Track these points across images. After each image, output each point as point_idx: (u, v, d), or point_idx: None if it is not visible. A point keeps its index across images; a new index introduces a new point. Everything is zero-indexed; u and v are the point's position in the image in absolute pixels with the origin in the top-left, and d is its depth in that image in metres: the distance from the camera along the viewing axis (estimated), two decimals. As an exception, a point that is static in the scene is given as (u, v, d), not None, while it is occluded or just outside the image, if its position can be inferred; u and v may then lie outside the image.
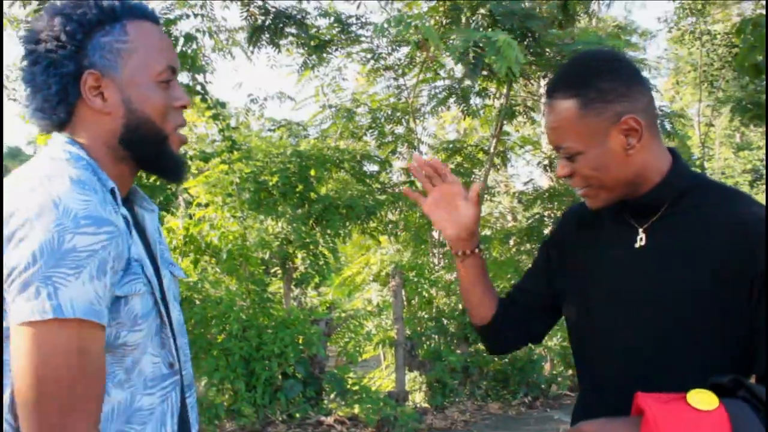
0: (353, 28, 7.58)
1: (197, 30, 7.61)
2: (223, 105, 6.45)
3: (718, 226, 1.32)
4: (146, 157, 1.25)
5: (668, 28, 10.94)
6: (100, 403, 1.08)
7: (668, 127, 7.49)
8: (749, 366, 1.29)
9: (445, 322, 7.78)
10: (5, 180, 1.15)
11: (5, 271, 1.03)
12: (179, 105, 1.25)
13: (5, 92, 7.46)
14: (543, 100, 1.47)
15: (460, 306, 7.70)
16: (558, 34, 6.43)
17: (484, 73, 6.41)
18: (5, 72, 9.07)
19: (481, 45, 5.27)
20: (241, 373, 6.35)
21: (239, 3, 7.29)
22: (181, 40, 6.39)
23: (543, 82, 8.57)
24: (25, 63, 1.19)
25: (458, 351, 7.56)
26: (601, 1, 8.48)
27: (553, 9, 7.65)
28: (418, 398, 7.53)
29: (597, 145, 1.35)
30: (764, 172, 23.31)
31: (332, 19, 7.40)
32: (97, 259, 1.05)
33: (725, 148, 22.51)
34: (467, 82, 7.50)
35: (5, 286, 1.03)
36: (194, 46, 6.37)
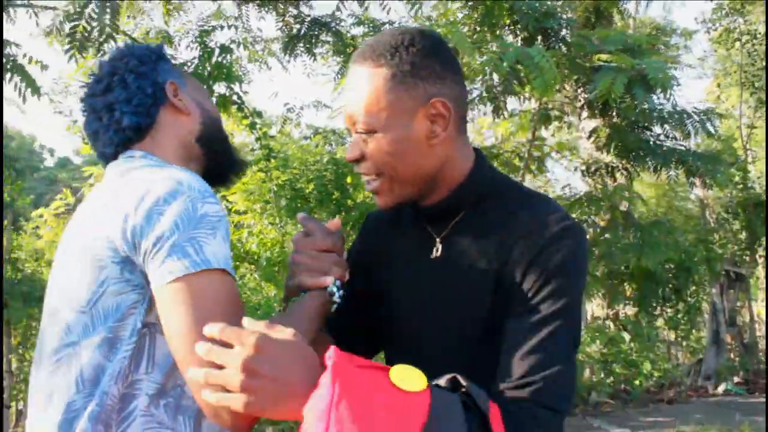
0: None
1: (232, 41, 7.76)
2: (259, 114, 6.55)
3: (512, 234, 1.21)
4: (217, 152, 1.46)
5: (706, 28, 10.80)
6: None
7: (710, 128, 7.37)
8: None
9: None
10: (107, 192, 1.29)
11: (148, 243, 1.15)
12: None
13: (52, 105, 7.68)
14: (349, 67, 1.26)
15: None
16: (585, 34, 6.35)
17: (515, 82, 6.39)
18: (52, 86, 9.33)
19: (518, 60, 5.24)
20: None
21: (274, 13, 7.40)
22: (217, 51, 6.51)
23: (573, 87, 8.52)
24: (109, 83, 1.39)
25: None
26: (637, 1, 8.38)
27: (586, 14, 7.62)
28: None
29: (399, 126, 1.19)
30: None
31: (367, 26, 7.46)
32: (224, 223, 1.20)
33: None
34: (498, 88, 7.50)
35: (149, 256, 1.16)
36: (230, 57, 6.48)
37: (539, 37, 6.65)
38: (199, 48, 6.94)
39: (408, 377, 0.99)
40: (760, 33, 9.78)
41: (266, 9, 7.36)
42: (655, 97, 6.61)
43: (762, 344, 10.31)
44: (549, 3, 6.70)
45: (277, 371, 0.95)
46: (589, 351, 7.97)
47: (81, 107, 1.42)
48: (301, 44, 7.16)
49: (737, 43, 10.08)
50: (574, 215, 8.39)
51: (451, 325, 1.25)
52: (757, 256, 9.87)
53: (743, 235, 9.61)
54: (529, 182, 10.10)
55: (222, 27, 7.59)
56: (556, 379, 1.11)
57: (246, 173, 1.50)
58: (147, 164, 1.31)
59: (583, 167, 8.90)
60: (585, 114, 8.06)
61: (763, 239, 9.50)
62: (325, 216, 7.25)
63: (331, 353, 0.96)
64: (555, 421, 1.11)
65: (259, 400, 0.95)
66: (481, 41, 6.98)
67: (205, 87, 1.51)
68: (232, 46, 7.65)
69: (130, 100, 1.36)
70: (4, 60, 4.59)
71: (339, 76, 7.96)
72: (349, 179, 7.40)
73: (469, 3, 7.19)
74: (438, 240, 1.30)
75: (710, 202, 10.16)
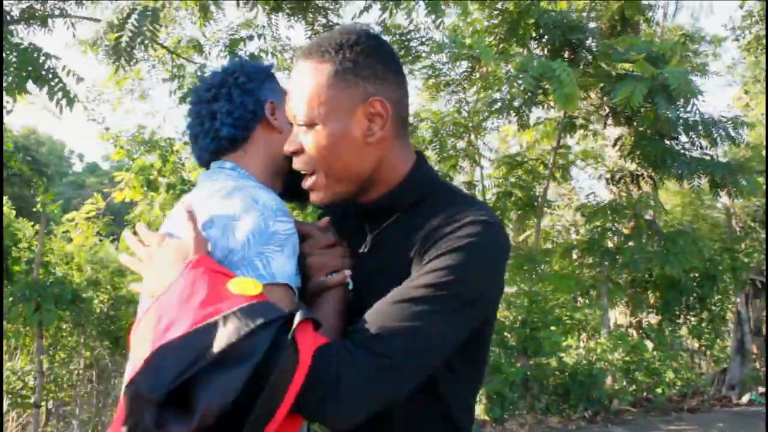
0: (413, 43, 7.73)
1: (261, 50, 7.92)
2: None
3: (431, 234, 1.23)
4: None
5: (735, 36, 10.76)
6: None
7: (735, 136, 7.36)
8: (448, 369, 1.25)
9: (506, 334, 7.81)
10: (187, 198, 1.43)
11: (222, 254, 1.27)
12: None
13: (86, 113, 7.90)
14: (295, 62, 1.33)
15: (521, 319, 7.73)
16: (609, 42, 6.41)
17: (540, 91, 6.47)
18: (86, 94, 9.59)
19: (543, 74, 5.33)
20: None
21: (303, 22, 7.54)
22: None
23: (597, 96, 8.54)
24: (216, 96, 1.54)
25: (518, 364, 7.58)
26: (663, 8, 8.38)
27: (611, 21, 7.66)
28: (477, 410, 7.58)
29: (337, 121, 1.25)
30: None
31: (395, 35, 7.58)
32: (291, 241, 1.30)
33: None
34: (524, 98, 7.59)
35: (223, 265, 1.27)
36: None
37: (565, 49, 6.72)
38: (228, 57, 7.12)
39: (242, 286, 1.13)
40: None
41: (296, 18, 7.51)
42: (680, 105, 6.64)
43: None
44: (574, 15, 6.76)
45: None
46: (611, 358, 7.99)
47: (187, 110, 1.60)
48: (329, 53, 7.31)
49: (762, 50, 10.04)
50: (597, 223, 8.39)
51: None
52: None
53: (769, 245, 9.55)
54: (553, 190, 10.12)
55: (252, 37, 7.76)
56: (400, 333, 1.12)
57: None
58: (234, 176, 1.45)
59: (608, 175, 8.93)
60: (610, 122, 8.09)
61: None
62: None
63: (196, 257, 1.18)
64: (377, 360, 1.11)
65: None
66: (505, 52, 7.06)
67: None
68: (261, 54, 7.83)
69: (231, 113, 1.51)
70: (45, 72, 4.76)
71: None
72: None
73: (494, 13, 7.28)
74: (369, 237, 1.36)
75: (737, 211, 10.11)
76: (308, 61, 1.27)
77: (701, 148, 7.53)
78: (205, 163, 1.56)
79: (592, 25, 7.62)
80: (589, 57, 6.63)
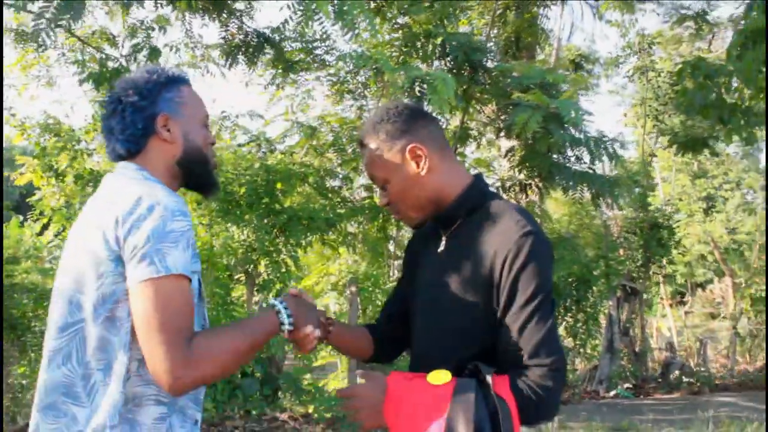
0: (319, 51, 8.06)
1: (166, 45, 8.07)
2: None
3: (490, 235, 1.68)
4: (195, 175, 1.82)
5: (614, 61, 11.66)
6: (187, 331, 1.57)
7: (612, 154, 8.02)
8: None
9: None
10: (99, 193, 1.74)
11: (127, 249, 1.55)
12: (210, 142, 1.87)
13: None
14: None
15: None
16: (505, 67, 6.97)
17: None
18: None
19: (423, 81, 5.80)
20: (203, 370, 6.77)
21: (218, 22, 7.74)
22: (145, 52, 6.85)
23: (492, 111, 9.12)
24: (114, 111, 1.75)
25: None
26: (559, 30, 9.06)
27: (506, 41, 8.23)
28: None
29: (397, 173, 1.77)
30: (718, 199, 24.34)
31: (302, 43, 7.88)
32: (186, 237, 1.58)
33: (683, 176, 23.40)
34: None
35: (127, 260, 1.56)
36: (158, 60, 6.82)
37: (467, 67, 7.20)
38: (131, 49, 7.25)
39: (436, 376, 1.60)
40: (665, 70, 10.67)
41: (209, 17, 7.70)
42: (569, 130, 7.24)
43: (650, 354, 11.20)
44: (475, 35, 7.26)
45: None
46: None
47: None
48: (242, 55, 7.54)
49: (643, 78, 10.95)
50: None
51: (439, 303, 1.76)
52: (651, 274, 10.72)
53: (640, 254, 10.43)
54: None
55: (161, 29, 7.87)
56: (544, 343, 1.60)
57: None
58: (139, 177, 1.70)
59: (499, 183, 9.54)
60: (503, 134, 8.66)
61: (658, 257, 10.35)
62: (255, 219, 7.63)
63: (391, 374, 1.66)
64: (552, 374, 1.59)
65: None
66: (405, 64, 7.50)
67: (203, 114, 1.85)
68: (167, 49, 7.99)
69: (124, 130, 1.73)
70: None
71: (275, 88, 8.38)
72: (279, 185, 7.81)
73: (395, 26, 7.70)
74: (444, 237, 1.82)
75: (617, 222, 10.97)
76: (364, 147, 1.83)
77: (586, 163, 8.16)
78: (115, 161, 1.79)
79: (490, 44, 8.16)
80: (487, 77, 7.14)
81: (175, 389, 1.52)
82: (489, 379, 1.56)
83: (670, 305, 13.95)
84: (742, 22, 11.21)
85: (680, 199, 20.78)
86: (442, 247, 1.80)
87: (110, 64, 6.88)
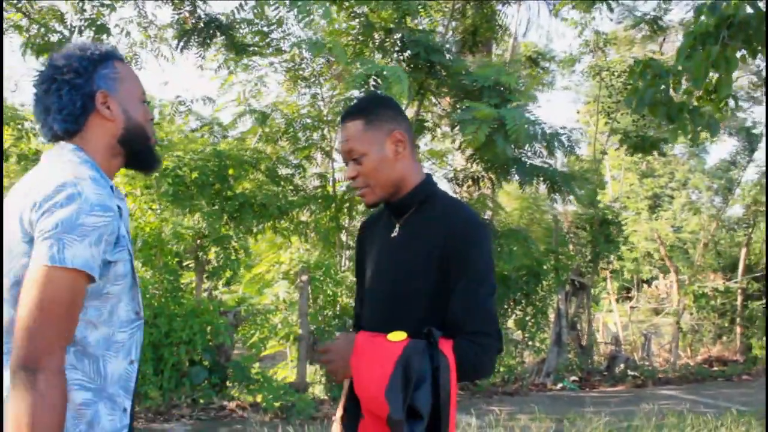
0: (274, 35, 7.97)
1: (116, 25, 7.89)
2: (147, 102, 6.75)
3: (439, 224, 1.90)
4: (136, 152, 1.78)
5: (571, 61, 11.81)
6: (73, 330, 1.55)
7: (568, 146, 8.12)
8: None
9: (347, 319, 8.25)
10: (30, 173, 1.67)
11: (36, 233, 1.52)
12: (150, 118, 1.82)
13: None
14: (338, 125, 2.07)
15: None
16: (462, 65, 7.02)
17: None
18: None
19: (379, 75, 5.84)
20: (150, 357, 6.66)
21: (171, 5, 7.60)
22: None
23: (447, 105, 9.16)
24: (48, 90, 1.68)
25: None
26: (516, 26, 9.12)
27: (464, 36, 8.27)
28: (318, 390, 7.98)
29: (377, 150, 1.93)
30: (664, 198, 24.91)
31: (257, 26, 7.79)
32: (98, 232, 1.54)
33: (632, 174, 23.87)
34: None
35: (35, 242, 1.52)
36: (108, 38, 6.68)
37: (425, 63, 7.23)
38: (86, 26, 7.07)
39: (396, 335, 1.81)
40: (617, 70, 10.85)
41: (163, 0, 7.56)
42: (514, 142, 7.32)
43: (603, 348, 11.43)
44: (435, 37, 7.30)
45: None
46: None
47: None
48: (195, 38, 7.42)
49: (597, 77, 11.11)
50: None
51: (392, 283, 1.94)
52: (599, 269, 10.91)
53: (588, 249, 10.60)
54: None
55: (110, 6, 7.65)
56: (484, 314, 1.83)
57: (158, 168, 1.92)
58: (74, 159, 1.64)
59: (451, 175, 9.59)
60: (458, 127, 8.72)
61: (606, 253, 10.54)
62: (205, 204, 7.52)
63: (360, 333, 1.90)
64: (489, 339, 1.81)
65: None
66: (360, 54, 7.49)
67: (141, 90, 1.80)
68: (121, 27, 7.81)
69: (61, 110, 1.66)
70: None
71: (228, 73, 8.26)
72: (231, 171, 7.71)
73: (352, 15, 7.67)
74: (397, 225, 1.99)
75: (568, 217, 11.13)
76: (348, 122, 1.96)
77: (541, 156, 8.26)
78: (52, 141, 1.72)
79: (448, 35, 8.19)
80: (444, 73, 7.20)
81: (18, 365, 1.47)
82: (437, 339, 1.77)
83: (617, 300, 14.22)
84: (692, 26, 11.48)
85: (628, 197, 21.21)
86: (395, 233, 1.98)
87: (54, 37, 6.68)
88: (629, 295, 17.38)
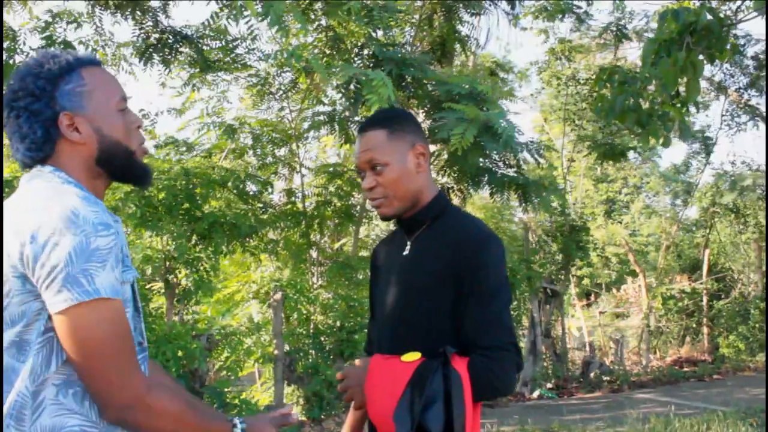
0: (240, 50, 7.79)
1: (80, 42, 7.60)
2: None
3: (450, 240, 1.84)
4: (119, 171, 1.57)
5: (539, 70, 11.88)
6: (135, 353, 1.43)
7: (537, 156, 8.12)
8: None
9: (323, 338, 8.07)
10: (9, 201, 1.46)
11: (43, 271, 1.33)
12: (135, 126, 1.59)
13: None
14: (357, 134, 1.95)
15: (338, 323, 8.01)
16: (434, 75, 6.96)
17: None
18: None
19: (360, 81, 5.72)
20: (123, 386, 6.37)
21: (131, 20, 7.36)
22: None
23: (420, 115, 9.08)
24: (8, 118, 1.49)
25: (334, 366, 7.86)
26: (476, 38, 9.14)
27: (433, 47, 8.21)
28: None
29: (398, 161, 1.87)
30: (618, 204, 25.31)
31: (222, 41, 7.60)
32: (113, 253, 1.38)
33: (587, 180, 24.22)
34: (347, 113, 7.96)
35: (44, 283, 1.34)
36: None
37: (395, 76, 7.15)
38: (43, 42, 6.76)
39: (409, 356, 1.76)
40: (582, 78, 10.95)
41: (122, 14, 7.31)
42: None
43: (571, 354, 11.44)
44: (409, 50, 7.23)
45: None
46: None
47: None
48: (157, 54, 7.19)
49: (561, 84, 11.19)
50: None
51: (404, 301, 1.89)
52: (570, 276, 10.94)
53: (560, 257, 10.62)
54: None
55: (69, 23, 7.37)
56: (498, 330, 1.76)
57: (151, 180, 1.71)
58: (54, 181, 1.45)
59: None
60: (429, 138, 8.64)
61: (577, 260, 10.58)
62: (173, 226, 7.26)
63: (374, 356, 1.89)
64: (506, 354, 1.74)
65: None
66: (329, 65, 7.37)
67: (117, 98, 1.55)
68: (80, 46, 7.51)
69: (23, 139, 1.47)
70: None
71: (191, 89, 8.04)
72: (198, 190, 7.47)
73: (318, 27, 7.56)
74: (409, 243, 1.94)
75: (532, 226, 11.14)
76: (370, 131, 1.90)
77: (511, 167, 8.25)
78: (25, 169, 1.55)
79: (416, 47, 8.12)
80: (415, 84, 7.12)
81: (119, 413, 1.37)
82: (450, 356, 1.71)
83: (583, 306, 14.31)
84: (646, 33, 11.68)
85: (584, 203, 21.48)
86: (407, 251, 1.93)
87: (16, 58, 6.37)
88: (589, 301, 17.56)
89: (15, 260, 1.34)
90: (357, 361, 1.91)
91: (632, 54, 14.59)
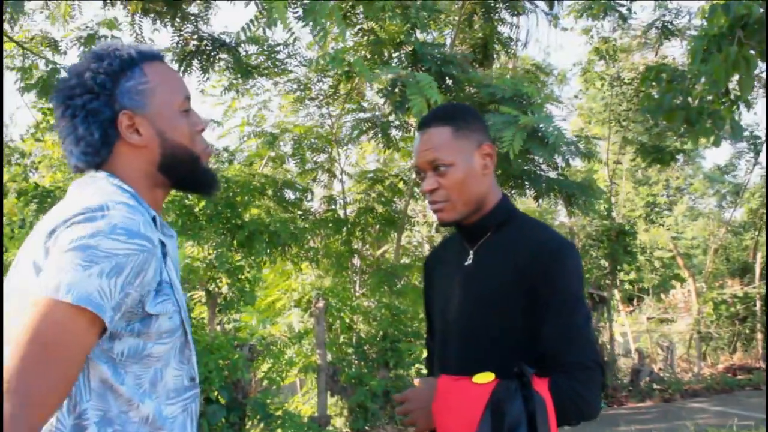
0: (281, 56, 7.72)
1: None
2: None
3: (523, 248, 1.67)
4: (183, 178, 1.41)
5: (583, 71, 11.59)
6: (66, 388, 1.16)
7: (584, 158, 7.91)
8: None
9: (366, 347, 7.93)
10: (53, 207, 1.30)
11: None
12: (199, 129, 1.42)
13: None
14: (417, 131, 1.78)
15: (381, 332, 7.87)
16: (477, 76, 6.79)
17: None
18: None
19: (404, 82, 5.55)
20: (166, 398, 6.30)
21: (171, 27, 7.32)
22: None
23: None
24: (62, 117, 1.34)
25: (378, 376, 7.71)
26: (518, 42, 8.94)
27: (474, 48, 8.03)
28: (339, 423, 7.63)
29: (464, 161, 1.70)
30: (659, 206, 24.82)
31: (262, 46, 7.53)
32: (113, 261, 1.17)
33: (627, 183, 23.81)
34: (390, 116, 7.82)
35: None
36: None
37: (437, 76, 6.99)
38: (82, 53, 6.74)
39: (481, 377, 1.59)
40: (627, 78, 10.67)
41: (162, 23, 7.27)
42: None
43: (620, 361, 11.13)
44: (447, 49, 7.07)
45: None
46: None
47: None
48: (197, 60, 7.13)
49: (605, 85, 10.91)
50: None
51: (484, 319, 1.69)
52: (617, 281, 10.65)
53: (605, 262, 10.34)
54: (412, 207, 10.39)
55: (111, 36, 7.37)
56: (582, 344, 1.60)
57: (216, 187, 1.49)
58: (103, 186, 1.30)
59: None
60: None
61: (624, 265, 10.29)
62: (215, 235, 7.19)
63: (441, 377, 1.68)
64: (591, 373, 1.58)
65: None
66: (372, 67, 7.24)
67: (181, 97, 1.38)
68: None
69: (78, 141, 1.32)
70: None
71: (232, 97, 7.98)
72: (239, 198, 7.39)
73: (358, 31, 7.44)
74: (471, 252, 1.76)
75: (576, 230, 10.88)
76: (433, 127, 1.73)
77: (555, 168, 8.03)
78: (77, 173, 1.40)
79: (457, 48, 7.96)
80: (456, 85, 6.96)
81: None
82: (530, 378, 1.57)
83: (627, 312, 13.97)
84: (689, 30, 11.36)
85: (624, 206, 21.10)
86: (469, 261, 1.76)
87: (61, 72, 6.34)
88: (633, 306, 17.15)
89: (40, 260, 1.20)
90: (417, 382, 1.74)
91: (672, 52, 14.26)
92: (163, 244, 1.31)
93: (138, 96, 1.33)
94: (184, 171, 1.39)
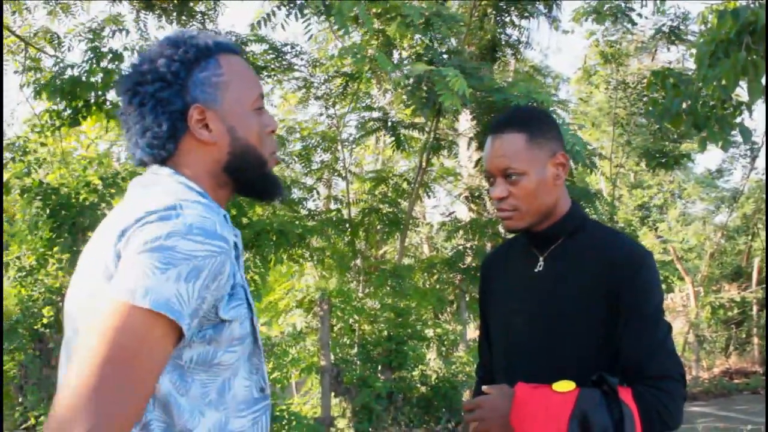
0: (288, 56, 7.66)
1: (125, 48, 7.48)
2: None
3: (600, 255, 1.67)
4: (249, 181, 1.34)
5: (587, 75, 11.59)
6: (144, 400, 1.08)
7: (589, 162, 7.90)
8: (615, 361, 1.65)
9: (370, 348, 7.88)
10: (115, 208, 1.25)
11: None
12: (270, 130, 1.35)
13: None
14: (490, 135, 1.75)
15: (385, 333, 7.82)
16: (493, 83, 6.75)
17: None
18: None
19: (431, 78, 5.49)
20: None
21: (176, 24, 7.25)
22: (108, 57, 6.29)
23: (464, 119, 8.88)
24: (129, 104, 1.27)
25: (382, 377, 7.67)
26: (524, 44, 8.93)
27: (481, 50, 8.02)
28: (342, 424, 7.58)
29: (537, 171, 1.69)
30: (652, 211, 24.94)
31: (267, 45, 7.47)
32: (192, 264, 1.09)
33: (620, 186, 23.94)
34: (392, 114, 7.79)
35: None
36: (121, 64, 6.27)
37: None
38: (89, 52, 6.64)
39: (562, 385, 1.56)
40: (632, 82, 10.69)
41: (168, 20, 7.20)
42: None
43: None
44: (461, 57, 7.02)
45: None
46: (469, 371, 8.29)
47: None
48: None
49: (610, 89, 10.93)
50: (459, 241, 8.75)
51: (560, 326, 1.68)
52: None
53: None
54: (417, 207, 10.36)
55: (115, 32, 7.27)
56: (665, 355, 1.61)
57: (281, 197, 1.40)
58: (169, 184, 1.24)
59: (467, 193, 9.30)
60: (474, 145, 8.44)
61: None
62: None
63: (519, 384, 1.63)
64: (675, 385, 1.59)
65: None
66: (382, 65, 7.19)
67: (255, 94, 1.31)
68: (125, 53, 7.40)
69: (144, 132, 1.26)
70: None
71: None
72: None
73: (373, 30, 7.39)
74: (541, 258, 1.75)
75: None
76: (507, 133, 1.70)
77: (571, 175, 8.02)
78: (139, 166, 1.33)
79: (468, 49, 7.94)
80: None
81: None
82: (615, 388, 1.56)
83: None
84: (686, 36, 11.40)
85: (618, 209, 21.22)
86: (540, 268, 1.75)
87: (68, 71, 6.22)
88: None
89: (109, 261, 1.13)
90: (487, 389, 1.69)
91: (668, 57, 14.31)
92: (236, 245, 1.25)
93: (211, 89, 1.26)
94: (251, 174, 1.32)
